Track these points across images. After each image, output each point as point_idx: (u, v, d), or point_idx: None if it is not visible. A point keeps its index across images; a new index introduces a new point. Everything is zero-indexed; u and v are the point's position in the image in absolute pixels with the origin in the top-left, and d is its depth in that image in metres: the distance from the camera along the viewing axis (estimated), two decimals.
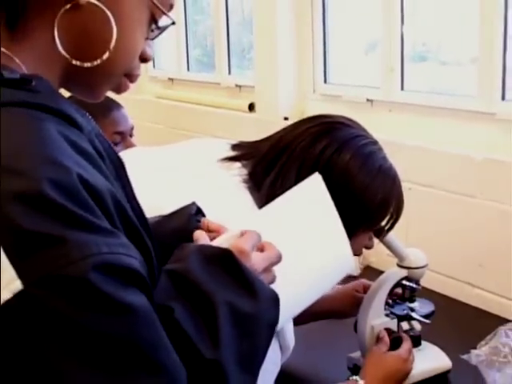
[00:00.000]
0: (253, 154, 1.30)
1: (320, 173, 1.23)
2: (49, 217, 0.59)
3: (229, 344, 0.73)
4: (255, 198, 1.22)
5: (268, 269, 0.86)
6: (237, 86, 3.14)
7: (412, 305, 1.52)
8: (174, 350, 0.66)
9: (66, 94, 0.82)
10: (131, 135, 1.89)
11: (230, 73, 3.25)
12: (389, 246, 1.47)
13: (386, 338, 1.42)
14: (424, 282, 1.54)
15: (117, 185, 0.74)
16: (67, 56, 0.73)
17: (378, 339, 1.42)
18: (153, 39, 0.82)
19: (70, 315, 0.58)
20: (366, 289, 1.56)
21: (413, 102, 2.27)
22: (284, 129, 1.34)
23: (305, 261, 1.06)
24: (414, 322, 1.50)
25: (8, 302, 0.57)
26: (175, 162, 1.35)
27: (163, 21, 0.82)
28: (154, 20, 0.79)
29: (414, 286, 1.50)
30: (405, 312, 1.49)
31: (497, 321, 1.63)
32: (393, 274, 1.49)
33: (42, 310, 0.58)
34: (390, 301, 1.51)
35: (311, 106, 2.65)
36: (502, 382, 1.37)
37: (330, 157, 1.26)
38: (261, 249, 0.87)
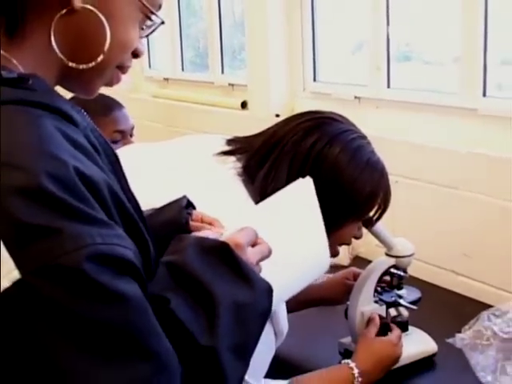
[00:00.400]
0: (247, 148, 1.30)
1: (310, 166, 1.24)
2: (47, 209, 0.60)
3: (225, 332, 0.73)
4: (249, 190, 1.23)
5: (259, 262, 0.86)
6: (230, 84, 3.13)
7: (400, 292, 1.52)
8: (166, 337, 0.66)
9: (68, 94, 0.83)
10: (131, 135, 1.90)
11: (223, 72, 3.25)
12: (377, 236, 1.47)
13: (377, 320, 1.43)
14: (411, 271, 1.54)
15: (113, 178, 0.74)
16: (64, 58, 0.74)
17: (369, 321, 1.43)
18: (144, 37, 0.83)
19: (65, 303, 0.59)
20: (355, 277, 1.56)
21: (399, 99, 2.26)
22: (276, 124, 1.34)
23: (289, 255, 1.07)
24: (401, 309, 1.50)
25: (7, 290, 0.58)
26: (172, 157, 1.35)
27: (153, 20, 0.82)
28: (145, 19, 0.80)
29: (402, 273, 1.50)
30: (393, 299, 1.50)
31: (480, 306, 1.64)
32: (381, 262, 1.49)
33: (38, 299, 0.58)
34: (379, 288, 1.51)
35: (301, 103, 2.65)
36: (485, 363, 1.39)
37: (320, 150, 1.26)
38: (253, 244, 0.87)
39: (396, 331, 1.43)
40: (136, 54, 0.82)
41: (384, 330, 1.43)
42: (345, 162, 1.27)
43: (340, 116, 1.35)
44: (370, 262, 1.56)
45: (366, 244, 1.65)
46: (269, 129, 1.34)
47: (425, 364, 1.50)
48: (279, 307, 1.20)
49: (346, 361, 1.35)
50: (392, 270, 1.50)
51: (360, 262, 1.97)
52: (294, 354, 1.50)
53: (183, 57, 3.63)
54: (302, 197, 1.11)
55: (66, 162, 0.63)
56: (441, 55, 2.38)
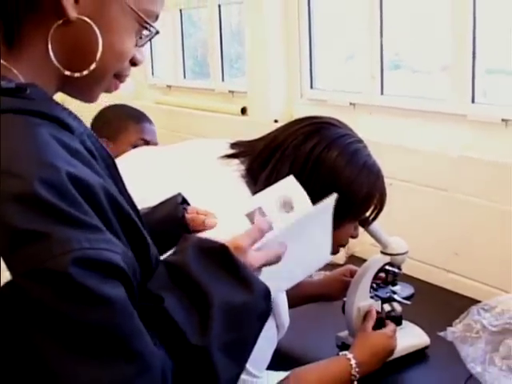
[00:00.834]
0: (249, 151, 1.30)
1: (310, 168, 1.25)
2: (39, 214, 0.60)
3: (218, 333, 0.72)
4: (252, 191, 1.24)
5: (263, 266, 0.84)
6: (230, 91, 3.14)
7: (394, 288, 1.53)
8: (150, 339, 0.65)
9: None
10: None
11: (223, 80, 3.26)
12: (373, 235, 1.48)
13: (374, 314, 1.44)
14: (404, 269, 1.55)
15: (109, 181, 0.74)
16: (60, 66, 0.74)
17: (367, 314, 1.44)
18: (141, 46, 0.82)
19: (52, 305, 0.59)
20: (352, 274, 1.56)
21: (392, 105, 2.27)
22: (277, 129, 1.35)
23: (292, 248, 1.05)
24: (395, 304, 1.51)
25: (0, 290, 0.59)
26: (179, 160, 1.36)
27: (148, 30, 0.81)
28: (142, 29, 0.79)
29: (396, 270, 1.51)
30: (388, 294, 1.51)
31: (469, 302, 1.62)
32: (377, 260, 1.50)
33: (28, 300, 0.59)
34: (375, 284, 1.52)
35: (299, 109, 2.65)
36: (474, 355, 1.39)
37: (319, 154, 1.27)
38: (255, 244, 0.85)
39: (391, 325, 1.44)
40: (134, 63, 0.82)
41: (379, 324, 1.44)
42: (342, 165, 1.27)
43: (338, 121, 1.35)
44: (364, 260, 1.56)
45: (361, 243, 1.64)
46: (270, 133, 1.35)
47: (418, 356, 1.51)
48: (281, 301, 1.21)
49: (344, 352, 1.35)
50: (387, 267, 1.51)
51: (355, 260, 1.97)
52: (294, 346, 1.50)
53: (185, 65, 3.65)
54: (293, 192, 1.07)
55: (60, 169, 0.63)
56: (429, 64, 2.39)
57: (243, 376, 1.10)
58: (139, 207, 0.83)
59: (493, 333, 1.42)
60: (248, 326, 0.77)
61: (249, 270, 0.78)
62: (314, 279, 1.70)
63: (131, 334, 0.63)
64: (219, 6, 3.22)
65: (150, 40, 0.82)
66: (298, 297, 1.54)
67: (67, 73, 0.75)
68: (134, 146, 1.81)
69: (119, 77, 0.81)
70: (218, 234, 0.94)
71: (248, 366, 1.11)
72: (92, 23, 0.73)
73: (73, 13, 0.72)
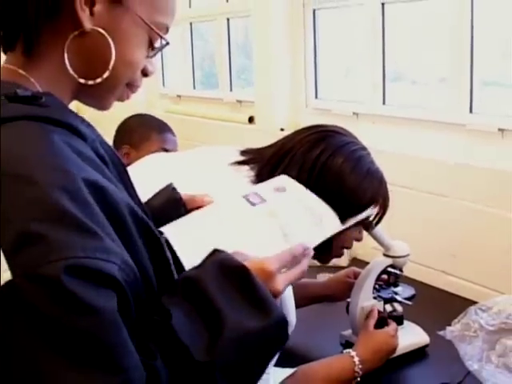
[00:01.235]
0: (259, 158, 1.31)
1: (316, 174, 1.26)
2: (46, 218, 0.60)
3: (225, 352, 0.69)
4: None
5: (287, 286, 0.80)
6: (238, 101, 3.15)
7: (396, 289, 1.54)
8: (136, 354, 0.63)
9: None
10: None
11: (231, 90, 3.27)
12: (376, 238, 1.49)
13: (375, 313, 1.45)
14: (405, 271, 1.56)
15: (120, 186, 0.74)
16: (75, 75, 0.75)
17: (369, 314, 1.45)
18: (152, 57, 0.82)
19: (43, 308, 0.59)
20: (356, 275, 1.57)
21: (393, 115, 2.28)
22: (285, 137, 1.36)
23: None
24: (396, 304, 1.52)
25: (0, 288, 0.59)
26: (191, 166, 1.36)
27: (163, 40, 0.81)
28: (152, 41, 0.80)
29: (398, 272, 1.52)
30: (390, 295, 1.52)
31: (467, 303, 1.63)
32: (380, 262, 1.51)
33: (22, 300, 0.59)
34: (377, 285, 1.53)
35: (304, 118, 2.66)
36: (472, 353, 1.39)
37: (325, 161, 1.28)
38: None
39: (393, 325, 1.45)
40: (145, 74, 0.83)
41: (382, 323, 1.45)
42: (348, 172, 1.28)
43: (342, 129, 1.36)
44: (367, 263, 1.56)
45: (363, 246, 1.63)
46: (279, 141, 1.36)
47: (418, 354, 1.52)
48: (288, 301, 1.22)
49: (348, 350, 1.36)
50: (389, 269, 1.52)
51: (358, 263, 1.97)
52: (300, 345, 1.51)
53: (194, 76, 3.66)
54: (286, 181, 1.08)
55: (75, 175, 0.64)
56: (427, 76, 2.41)
57: None
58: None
59: (490, 332, 1.42)
60: (257, 352, 0.72)
61: (268, 296, 0.74)
62: (319, 281, 1.72)
63: (115, 346, 0.61)
64: (228, 20, 3.25)
65: (160, 51, 0.83)
66: (304, 297, 1.56)
67: (82, 80, 0.76)
68: None
69: (131, 87, 0.82)
70: (217, 212, 0.94)
71: None
72: (106, 34, 0.75)
73: (88, 24, 0.74)
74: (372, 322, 1.44)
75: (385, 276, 1.55)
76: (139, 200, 0.81)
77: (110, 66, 0.75)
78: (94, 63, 0.76)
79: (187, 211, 0.99)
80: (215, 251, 0.77)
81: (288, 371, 1.26)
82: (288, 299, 1.23)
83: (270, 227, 0.92)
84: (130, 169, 0.86)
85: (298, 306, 1.31)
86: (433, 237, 1.98)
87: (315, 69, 2.69)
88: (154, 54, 0.82)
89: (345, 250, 1.44)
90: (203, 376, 0.68)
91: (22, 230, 0.60)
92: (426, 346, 1.53)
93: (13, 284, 0.59)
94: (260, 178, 1.28)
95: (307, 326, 1.50)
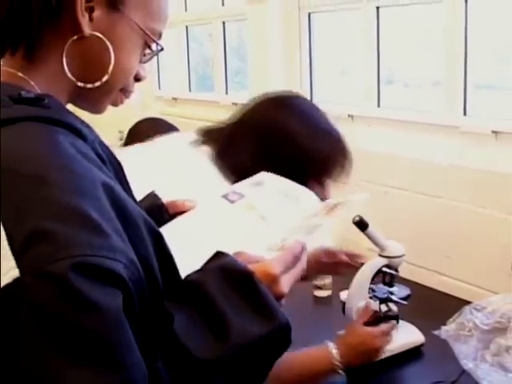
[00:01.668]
0: (216, 135, 1.34)
1: (266, 132, 1.28)
2: (56, 215, 0.61)
3: (229, 357, 0.68)
4: (221, 170, 1.26)
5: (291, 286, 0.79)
6: (233, 103, 3.14)
7: (391, 289, 1.54)
8: (139, 353, 0.63)
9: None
10: None
11: (227, 93, 3.28)
12: (372, 239, 1.49)
13: (368, 311, 1.44)
14: (400, 272, 1.56)
15: (119, 186, 0.73)
16: (73, 79, 0.76)
17: (362, 311, 1.45)
18: (145, 62, 0.83)
19: (48, 305, 0.59)
20: (328, 256, 1.56)
21: (388, 117, 2.29)
22: (239, 110, 1.38)
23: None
24: (391, 304, 1.52)
25: (8, 285, 0.59)
26: (152, 156, 1.37)
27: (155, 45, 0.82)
28: (146, 46, 0.81)
29: (394, 272, 1.53)
30: (385, 295, 1.52)
31: (461, 303, 1.64)
32: (375, 262, 1.51)
33: (29, 296, 0.59)
34: (373, 285, 1.53)
35: None
36: (467, 352, 1.41)
37: (276, 125, 1.28)
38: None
39: (384, 326, 1.43)
40: (138, 79, 0.83)
41: (377, 322, 1.44)
42: (297, 131, 1.28)
43: (298, 94, 1.37)
44: (361, 263, 1.56)
45: (357, 248, 1.64)
46: (232, 115, 1.38)
47: (414, 353, 1.52)
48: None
49: (327, 341, 1.37)
50: (384, 269, 1.52)
51: None
52: (296, 345, 1.47)
53: (190, 78, 3.67)
54: (263, 176, 1.08)
55: (83, 174, 0.64)
56: (420, 79, 2.42)
57: None
58: None
59: (484, 331, 1.43)
60: (260, 358, 0.72)
61: (272, 301, 0.72)
62: None
63: (120, 344, 0.61)
64: (223, 23, 3.25)
65: (153, 57, 0.84)
66: None
67: (80, 84, 0.77)
68: None
69: (124, 92, 0.83)
70: (199, 216, 0.96)
71: None
72: (105, 39, 0.76)
73: (87, 29, 0.75)
74: (362, 318, 1.43)
75: (380, 276, 1.55)
76: (135, 199, 0.81)
77: (110, 70, 0.76)
78: (92, 67, 0.77)
79: (170, 216, 1.00)
80: (218, 254, 0.76)
81: None
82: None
83: (250, 219, 0.94)
84: None
85: None
86: (427, 237, 1.99)
87: (310, 72, 2.70)
88: (148, 60, 0.83)
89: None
90: (204, 380, 0.68)
91: (33, 228, 0.60)
92: (422, 345, 1.54)
93: (20, 281, 0.59)
94: (219, 153, 1.29)
95: (303, 326, 1.48)
